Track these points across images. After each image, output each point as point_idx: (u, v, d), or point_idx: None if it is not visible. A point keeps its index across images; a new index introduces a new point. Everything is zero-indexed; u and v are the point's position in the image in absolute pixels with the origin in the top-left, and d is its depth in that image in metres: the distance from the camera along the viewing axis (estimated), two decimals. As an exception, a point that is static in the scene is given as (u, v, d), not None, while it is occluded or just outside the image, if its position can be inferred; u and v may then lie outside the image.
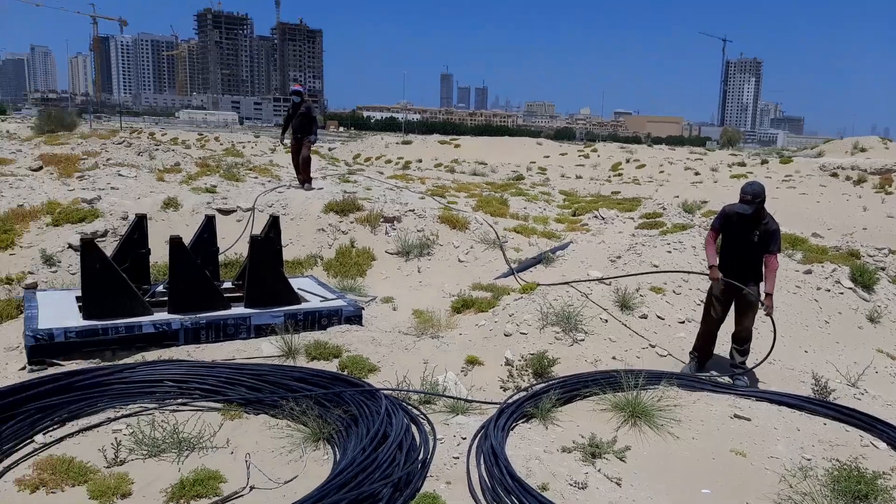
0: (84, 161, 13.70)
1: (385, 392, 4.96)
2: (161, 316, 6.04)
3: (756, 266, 5.99)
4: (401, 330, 6.92)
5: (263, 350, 6.00)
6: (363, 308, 7.13)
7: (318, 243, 9.80)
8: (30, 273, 7.71)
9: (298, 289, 7.21)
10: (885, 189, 23.96)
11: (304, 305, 6.77)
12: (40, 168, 13.09)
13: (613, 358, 6.29)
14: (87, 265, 5.64)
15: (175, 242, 5.96)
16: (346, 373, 5.50)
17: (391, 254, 9.70)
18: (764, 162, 31.78)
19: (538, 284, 7.82)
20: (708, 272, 6.17)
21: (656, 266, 8.29)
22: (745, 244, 5.95)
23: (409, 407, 4.92)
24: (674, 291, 7.73)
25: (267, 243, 7.12)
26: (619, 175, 35.21)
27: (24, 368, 5.34)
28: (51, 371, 5.23)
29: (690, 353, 6.40)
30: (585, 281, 7.72)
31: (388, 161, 36.31)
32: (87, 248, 5.59)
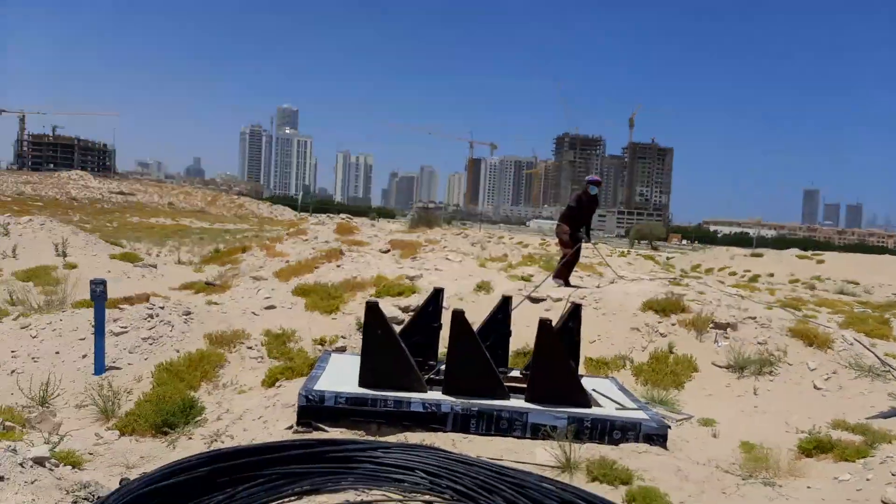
0: (425, 247, 14.79)
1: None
2: (433, 395, 5.45)
3: None
4: (720, 465, 5.20)
5: (537, 456, 4.94)
6: (670, 427, 5.60)
7: (629, 343, 8.49)
8: (342, 337, 8.02)
9: (592, 390, 6.04)
10: None
11: (594, 410, 5.56)
12: (388, 251, 14.48)
13: None
14: (368, 330, 5.38)
15: (457, 316, 5.39)
16: (632, 507, 4.10)
17: (719, 367, 7.86)
18: None
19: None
20: None
21: None
22: None
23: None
24: None
25: (562, 332, 6.17)
26: None
27: (290, 428, 5.17)
28: (314, 435, 4.95)
29: None
30: None
31: (733, 273, 32.79)
32: (371, 311, 5.34)
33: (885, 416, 6.37)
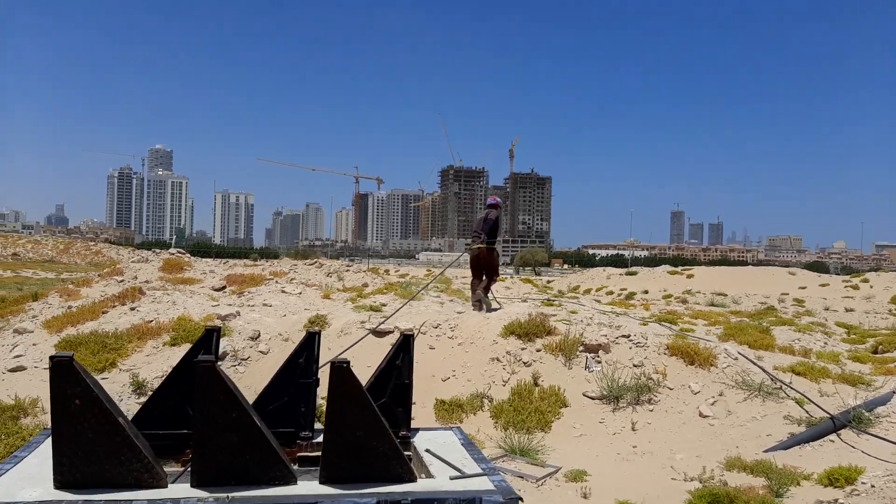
0: (269, 281, 12.83)
1: None
2: (174, 491, 3.61)
3: None
4: (591, 546, 3.75)
5: (326, 570, 3.25)
6: (521, 499, 4.08)
7: (489, 377, 7.04)
8: (110, 403, 6.00)
9: (426, 450, 4.42)
10: None
11: (419, 485, 3.91)
12: (223, 288, 12.40)
13: None
14: (59, 401, 3.49)
15: (203, 368, 3.62)
16: None
17: (592, 398, 6.56)
18: None
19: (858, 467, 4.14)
20: None
21: None
22: None
23: None
24: None
25: (386, 374, 4.55)
26: (904, 308, 27.89)
27: None
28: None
29: None
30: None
31: (610, 292, 32.90)
32: (60, 372, 3.45)
33: (784, 446, 5.24)
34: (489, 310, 9.27)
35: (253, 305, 8.91)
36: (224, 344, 7.13)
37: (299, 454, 4.49)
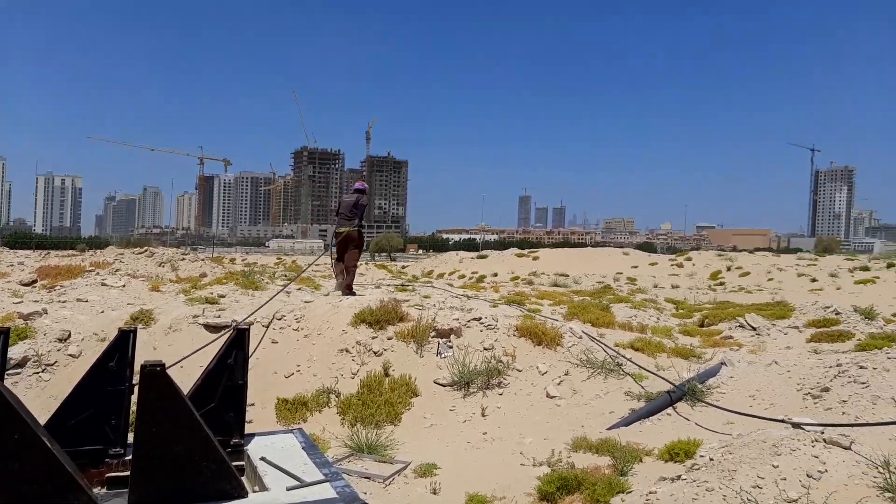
0: (89, 273, 11.47)
1: None
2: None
3: None
4: (440, 547, 3.52)
5: None
6: None
7: (337, 370, 6.65)
8: None
9: (261, 459, 3.97)
10: None
11: (247, 502, 3.47)
12: (34, 282, 10.90)
13: None
14: None
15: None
16: None
17: (443, 385, 6.39)
18: (891, 265, 26.98)
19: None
20: None
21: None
22: None
23: None
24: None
25: (215, 374, 4.02)
26: (722, 284, 31.08)
27: None
28: None
29: None
30: (785, 423, 4.13)
31: (462, 276, 33.56)
32: None
33: (626, 422, 5.37)
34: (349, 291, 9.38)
35: (65, 301, 7.81)
36: (25, 348, 6.12)
37: (108, 475, 3.85)
